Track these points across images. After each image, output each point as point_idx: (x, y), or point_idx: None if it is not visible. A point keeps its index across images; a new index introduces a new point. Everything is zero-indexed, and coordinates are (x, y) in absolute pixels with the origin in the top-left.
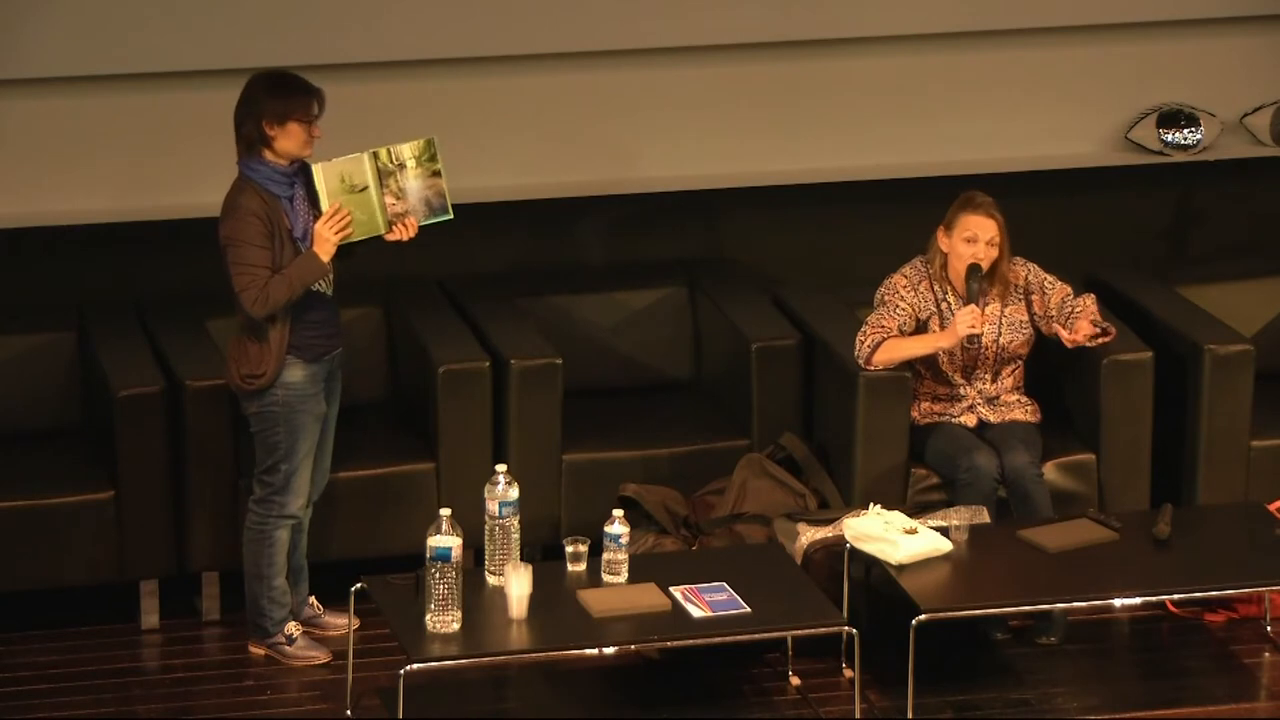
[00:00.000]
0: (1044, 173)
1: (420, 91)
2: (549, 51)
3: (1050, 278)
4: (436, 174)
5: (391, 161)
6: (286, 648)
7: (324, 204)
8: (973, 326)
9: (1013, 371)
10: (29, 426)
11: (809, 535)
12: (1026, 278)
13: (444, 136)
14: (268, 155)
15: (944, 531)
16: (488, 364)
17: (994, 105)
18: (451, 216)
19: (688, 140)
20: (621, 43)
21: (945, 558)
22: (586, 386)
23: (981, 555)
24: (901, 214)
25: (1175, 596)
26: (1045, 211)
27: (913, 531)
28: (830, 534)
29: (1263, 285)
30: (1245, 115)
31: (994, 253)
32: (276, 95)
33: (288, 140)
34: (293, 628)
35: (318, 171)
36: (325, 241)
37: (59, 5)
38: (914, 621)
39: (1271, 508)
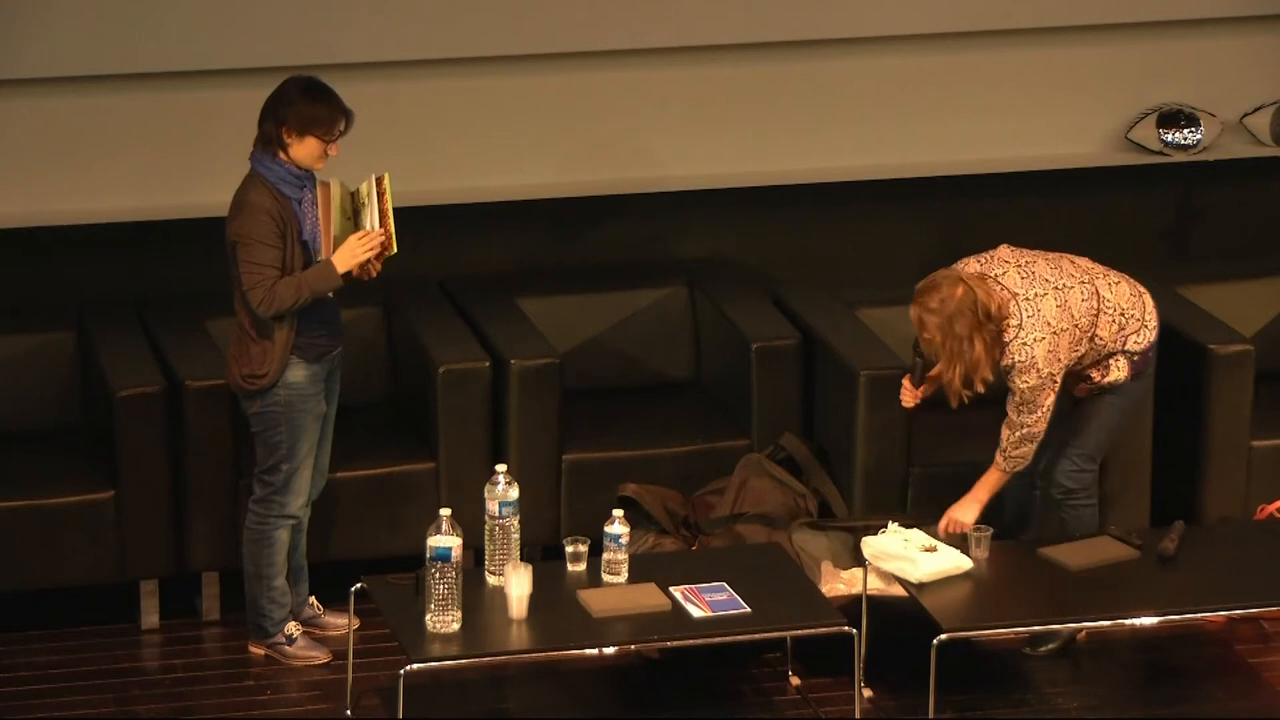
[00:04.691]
0: (1044, 173)
1: (420, 91)
2: (549, 52)
3: (1016, 382)
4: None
5: (361, 198)
6: (286, 648)
7: (334, 220)
8: (902, 399)
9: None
10: (29, 426)
11: (829, 585)
12: (1006, 364)
13: (445, 136)
14: (281, 155)
15: (963, 548)
16: (488, 364)
17: (994, 105)
18: (395, 252)
19: (687, 140)
20: (621, 43)
21: (966, 575)
22: (586, 386)
23: (1002, 573)
24: (901, 214)
25: (1200, 615)
26: (1045, 211)
27: (932, 549)
28: (848, 593)
29: (1263, 285)
30: (1245, 115)
31: (930, 345)
32: (305, 104)
33: (302, 150)
34: (293, 628)
35: (335, 187)
36: (353, 257)
37: (58, 6)
38: (935, 641)
39: (1271, 508)
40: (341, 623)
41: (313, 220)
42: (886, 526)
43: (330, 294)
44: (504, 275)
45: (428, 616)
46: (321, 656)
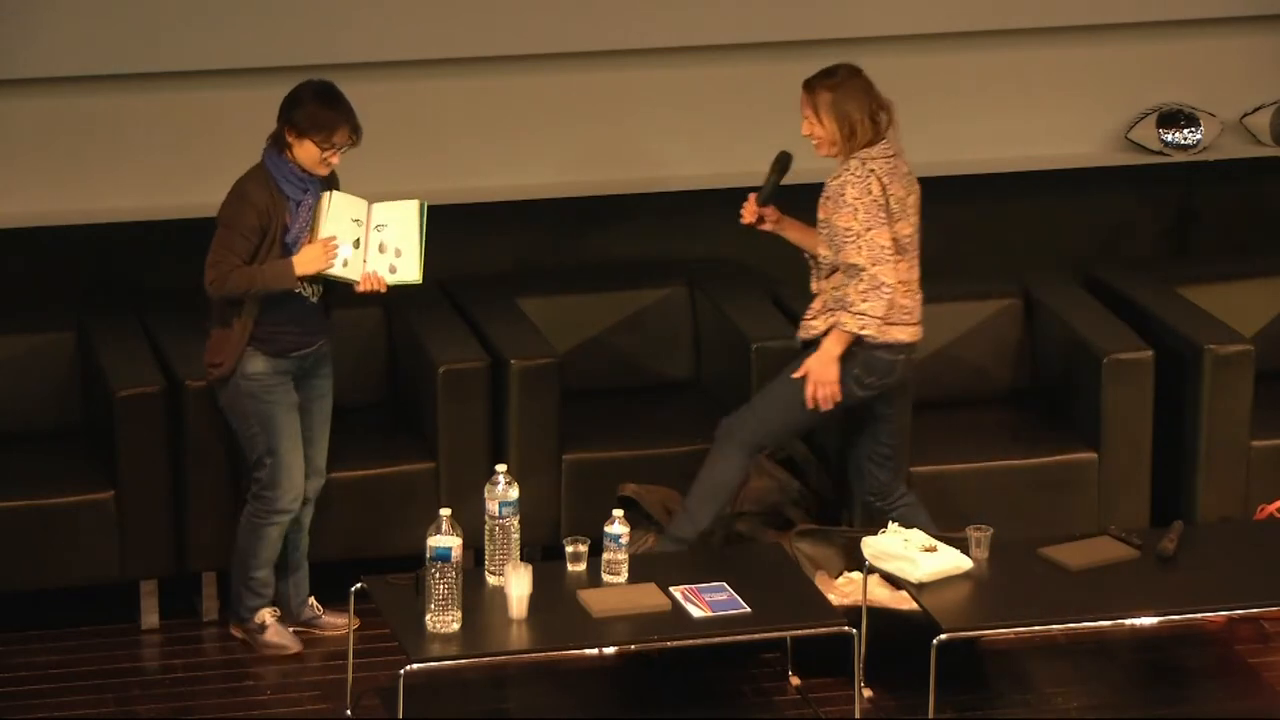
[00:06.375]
0: (1044, 173)
1: (420, 91)
2: (549, 51)
3: (843, 232)
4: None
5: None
6: (258, 635)
7: (321, 231)
8: (743, 214)
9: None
10: (29, 426)
11: (829, 590)
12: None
13: (445, 136)
14: (287, 154)
15: (963, 548)
16: (488, 364)
17: (994, 105)
18: (419, 281)
19: (687, 140)
20: (622, 43)
21: (966, 575)
22: (586, 386)
23: (1002, 573)
24: None
25: (1200, 615)
26: (1045, 211)
27: (932, 549)
28: (841, 604)
29: (1263, 285)
30: (1245, 115)
31: (812, 133)
32: (313, 107)
33: (301, 153)
34: (264, 615)
35: (326, 199)
36: (312, 261)
37: (58, 6)
38: (935, 641)
39: (1271, 508)
40: (341, 623)
41: (302, 224)
42: (886, 528)
43: (306, 293)
44: (504, 275)
45: (428, 616)
46: (292, 647)
